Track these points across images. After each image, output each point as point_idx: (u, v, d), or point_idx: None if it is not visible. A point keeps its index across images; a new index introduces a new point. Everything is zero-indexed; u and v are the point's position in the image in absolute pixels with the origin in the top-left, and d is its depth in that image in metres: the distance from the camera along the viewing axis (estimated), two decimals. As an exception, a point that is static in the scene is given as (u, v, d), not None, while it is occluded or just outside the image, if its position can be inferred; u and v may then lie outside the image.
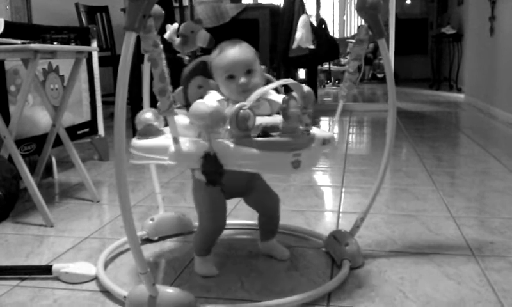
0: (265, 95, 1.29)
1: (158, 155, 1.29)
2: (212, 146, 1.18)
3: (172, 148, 1.23)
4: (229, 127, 1.17)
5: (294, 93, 1.19)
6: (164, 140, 1.31)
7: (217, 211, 1.41)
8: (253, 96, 1.18)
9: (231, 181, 1.31)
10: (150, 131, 1.36)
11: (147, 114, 1.40)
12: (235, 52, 1.31)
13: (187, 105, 1.45)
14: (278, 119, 1.22)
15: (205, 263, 1.44)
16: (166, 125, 1.31)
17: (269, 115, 1.33)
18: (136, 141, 1.35)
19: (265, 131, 1.21)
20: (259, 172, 1.43)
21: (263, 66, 1.38)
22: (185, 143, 1.23)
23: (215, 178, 1.20)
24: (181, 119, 1.31)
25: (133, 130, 1.39)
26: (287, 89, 1.28)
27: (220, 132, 1.20)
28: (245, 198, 1.51)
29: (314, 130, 1.26)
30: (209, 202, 1.40)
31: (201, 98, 1.37)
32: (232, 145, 1.17)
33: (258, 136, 1.18)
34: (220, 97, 1.32)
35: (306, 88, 1.23)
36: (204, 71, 1.44)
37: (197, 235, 1.47)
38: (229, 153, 1.17)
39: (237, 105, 1.16)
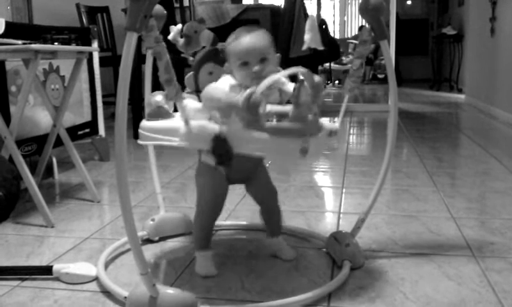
0: (277, 83, 1.30)
1: (168, 136, 1.29)
2: (223, 128, 1.19)
3: (183, 129, 1.24)
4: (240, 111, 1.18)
5: (304, 82, 1.20)
6: (174, 122, 1.31)
7: (218, 196, 1.43)
8: (264, 83, 1.19)
9: (237, 166, 1.32)
10: (160, 113, 1.37)
11: (157, 97, 1.41)
12: (251, 39, 1.31)
13: (197, 91, 1.47)
14: (287, 108, 1.23)
15: (205, 261, 1.44)
16: (175, 110, 1.32)
17: (279, 103, 1.34)
18: (145, 122, 1.36)
19: (276, 117, 1.22)
20: (268, 156, 1.44)
21: (278, 55, 1.38)
22: (196, 125, 1.24)
23: (224, 160, 1.21)
24: (191, 103, 1.33)
25: (134, 131, 1.40)
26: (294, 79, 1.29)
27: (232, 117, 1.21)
28: (246, 185, 1.51)
29: (322, 120, 1.27)
30: (212, 187, 1.42)
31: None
32: (242, 129, 1.18)
33: (268, 122, 1.19)
34: (233, 82, 1.33)
35: (316, 78, 1.24)
36: (215, 58, 1.45)
37: (195, 222, 1.48)
38: (239, 136, 1.19)
39: (248, 91, 1.17)
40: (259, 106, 1.16)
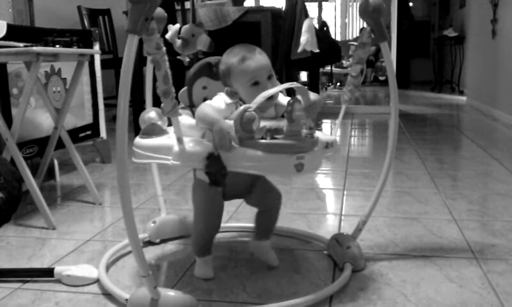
0: (274, 98, 1.30)
1: (161, 154, 1.29)
2: (216, 147, 1.19)
3: (176, 148, 1.23)
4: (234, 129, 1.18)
5: (299, 97, 1.20)
6: (168, 139, 1.31)
7: (213, 213, 1.41)
8: (259, 98, 1.18)
9: (233, 183, 1.31)
10: (154, 130, 1.36)
11: (151, 113, 1.41)
12: (259, 58, 1.32)
13: (191, 106, 1.46)
14: (282, 122, 1.23)
15: (203, 264, 1.44)
16: (170, 124, 1.31)
17: (274, 117, 1.34)
18: (139, 140, 1.35)
19: (270, 133, 1.21)
20: (262, 174, 1.43)
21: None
22: (189, 143, 1.23)
23: (218, 179, 1.20)
24: (185, 119, 1.32)
25: (135, 133, 1.40)
26: (290, 92, 1.29)
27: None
28: (245, 199, 1.50)
29: (317, 134, 1.27)
30: (207, 202, 1.40)
31: (206, 99, 1.38)
32: (236, 146, 1.18)
33: (262, 138, 1.19)
34: (228, 100, 1.32)
35: (312, 95, 1.24)
36: (209, 72, 1.44)
37: (192, 234, 1.48)
38: (233, 154, 1.18)
39: (242, 107, 1.17)
40: (253, 122, 1.16)
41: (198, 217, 1.43)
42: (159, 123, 1.39)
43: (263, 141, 1.18)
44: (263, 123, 1.21)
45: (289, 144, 1.17)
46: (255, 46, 1.36)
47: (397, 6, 5.21)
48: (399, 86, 1.59)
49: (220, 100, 1.32)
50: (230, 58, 1.33)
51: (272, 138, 1.19)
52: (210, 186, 1.23)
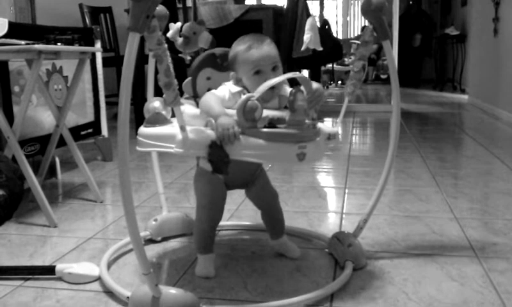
0: (277, 89, 1.31)
1: (165, 142, 1.30)
2: (219, 139, 1.19)
3: (179, 136, 1.24)
4: (236, 118, 1.19)
5: (301, 87, 1.21)
6: (171, 128, 1.32)
7: (216, 202, 1.43)
8: (262, 87, 1.19)
9: (236, 172, 1.32)
10: (158, 119, 1.37)
11: (155, 103, 1.42)
12: (265, 48, 1.34)
13: (195, 96, 1.47)
14: (285, 113, 1.24)
15: (205, 263, 1.44)
16: (173, 116, 1.32)
17: (277, 108, 1.35)
18: (143, 129, 1.36)
19: (272, 123, 1.22)
20: (265, 162, 1.44)
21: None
22: (192, 131, 1.24)
23: (221, 167, 1.22)
24: (188, 109, 1.33)
25: (136, 131, 1.40)
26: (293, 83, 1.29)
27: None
28: (246, 190, 1.52)
29: (320, 125, 1.28)
30: (210, 192, 1.41)
31: (209, 89, 1.39)
32: (239, 140, 1.18)
33: (264, 127, 1.19)
34: (235, 89, 1.34)
35: (315, 84, 1.24)
36: (213, 63, 1.46)
37: (195, 230, 1.48)
38: (236, 142, 1.18)
39: (244, 96, 1.18)
40: (255, 111, 1.17)
41: (201, 207, 1.44)
42: (163, 112, 1.40)
43: (265, 129, 1.19)
44: (266, 113, 1.22)
45: (291, 133, 1.18)
46: (266, 36, 1.38)
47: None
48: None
49: (225, 90, 1.33)
50: (239, 45, 1.36)
51: (275, 127, 1.20)
52: (213, 174, 1.24)
